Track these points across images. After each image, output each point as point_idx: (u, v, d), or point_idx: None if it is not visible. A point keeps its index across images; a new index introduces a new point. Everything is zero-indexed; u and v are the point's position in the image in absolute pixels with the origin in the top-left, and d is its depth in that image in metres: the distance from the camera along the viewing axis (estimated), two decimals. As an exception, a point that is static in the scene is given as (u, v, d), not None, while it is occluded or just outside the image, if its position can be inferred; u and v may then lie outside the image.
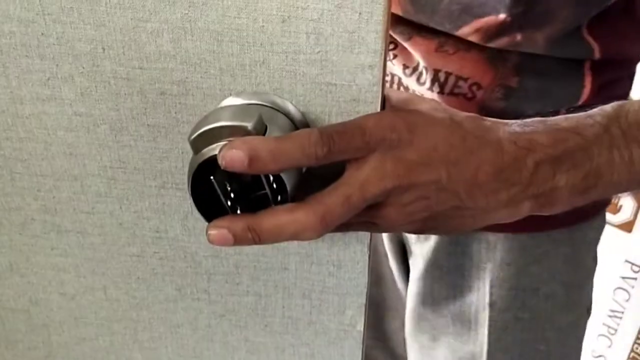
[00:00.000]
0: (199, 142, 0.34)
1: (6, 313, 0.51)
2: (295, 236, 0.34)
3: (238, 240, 0.35)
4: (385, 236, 0.69)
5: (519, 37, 0.49)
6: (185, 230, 0.45)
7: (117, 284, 0.48)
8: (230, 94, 0.38)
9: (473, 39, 0.51)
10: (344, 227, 0.37)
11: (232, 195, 0.36)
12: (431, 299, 0.63)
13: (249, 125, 0.34)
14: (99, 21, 0.37)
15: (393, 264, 0.70)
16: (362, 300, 0.46)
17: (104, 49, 0.38)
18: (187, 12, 0.36)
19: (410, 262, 0.65)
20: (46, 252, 0.47)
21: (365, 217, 0.37)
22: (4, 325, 0.52)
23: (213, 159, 0.34)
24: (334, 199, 0.34)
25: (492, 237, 0.57)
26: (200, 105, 0.39)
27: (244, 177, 0.36)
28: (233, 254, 0.46)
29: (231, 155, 0.32)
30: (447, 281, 0.61)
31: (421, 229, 0.38)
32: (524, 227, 0.53)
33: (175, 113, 0.40)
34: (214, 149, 0.34)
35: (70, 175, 0.43)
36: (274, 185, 0.35)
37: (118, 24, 0.37)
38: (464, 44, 0.52)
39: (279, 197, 0.35)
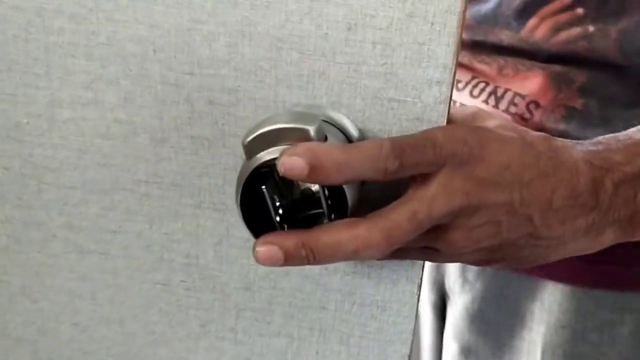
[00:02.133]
0: (254, 145, 0.32)
1: (11, 343, 0.46)
2: (355, 254, 0.31)
3: (290, 258, 0.32)
4: (424, 283, 0.64)
5: (591, 28, 0.47)
6: (218, 257, 0.41)
7: (135, 315, 0.44)
8: (285, 106, 0.36)
9: (540, 34, 0.48)
10: (401, 253, 0.33)
11: (282, 210, 0.32)
12: (474, 357, 0.57)
13: (312, 129, 0.31)
14: (154, 21, 0.35)
15: (428, 314, 0.64)
16: (406, 350, 0.42)
17: (154, 51, 0.36)
18: (247, 14, 0.34)
19: (450, 313, 0.60)
20: (63, 274, 0.43)
21: (426, 242, 0.33)
22: (7, 356, 0.47)
23: (269, 165, 0.31)
24: (400, 214, 0.31)
25: (547, 295, 0.53)
26: (251, 117, 0.37)
27: (299, 190, 0.33)
28: (267, 287, 0.42)
29: (291, 162, 0.29)
30: (493, 339, 0.56)
31: (487, 259, 0.34)
32: (587, 280, 0.49)
33: (222, 125, 0.37)
34: (271, 153, 0.31)
35: (101, 189, 0.40)
36: (332, 200, 0.32)
37: (173, 24, 0.35)
38: (525, 65, 0.49)
39: (337, 215, 0.32)
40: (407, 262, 0.39)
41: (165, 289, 0.43)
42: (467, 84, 0.54)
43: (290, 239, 0.31)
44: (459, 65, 0.55)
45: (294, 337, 0.43)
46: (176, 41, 0.36)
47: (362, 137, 0.36)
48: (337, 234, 0.31)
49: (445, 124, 0.35)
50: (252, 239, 0.40)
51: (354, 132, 0.35)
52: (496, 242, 0.33)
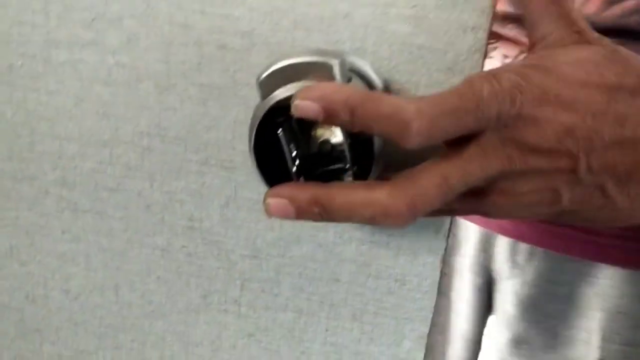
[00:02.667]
0: (271, 82, 0.28)
1: (-4, 309, 0.43)
2: (372, 221, 0.28)
3: (301, 214, 0.28)
4: (467, 264, 0.60)
5: None
6: (223, 220, 0.38)
7: (132, 283, 0.41)
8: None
9: (591, 7, 0.45)
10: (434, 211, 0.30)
11: (299, 160, 0.29)
12: (527, 346, 0.53)
13: (335, 63, 0.27)
14: (163, -48, 0.32)
15: (469, 299, 0.60)
16: (425, 329, 0.38)
17: (162, -13, 0.33)
18: (266, -54, 0.31)
19: (499, 299, 0.56)
20: (55, 235, 0.40)
21: (462, 204, 0.30)
22: (-9, 324, 0.44)
23: (286, 105, 0.28)
24: (428, 179, 0.27)
25: (602, 279, 0.49)
26: (264, 63, 0.33)
27: (318, 140, 0.30)
28: (276, 255, 0.38)
29: (305, 106, 0.26)
30: (547, 327, 0.52)
31: (550, 219, 0.30)
32: None
33: (234, 72, 0.34)
34: (289, 90, 0.28)
35: (99, 141, 0.37)
36: (356, 153, 0.28)
37: (184, -43, 0.32)
38: None
39: (359, 170, 0.29)
40: (430, 231, 0.36)
41: (165, 255, 0.39)
42: (515, 58, 0.51)
43: (304, 193, 0.28)
44: (506, 39, 0.52)
45: (302, 312, 0.39)
46: (187, -24, 0.33)
47: (387, 88, 0.32)
48: (353, 196, 0.27)
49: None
50: (261, 201, 0.37)
51: (378, 83, 0.32)
52: (556, 209, 0.29)
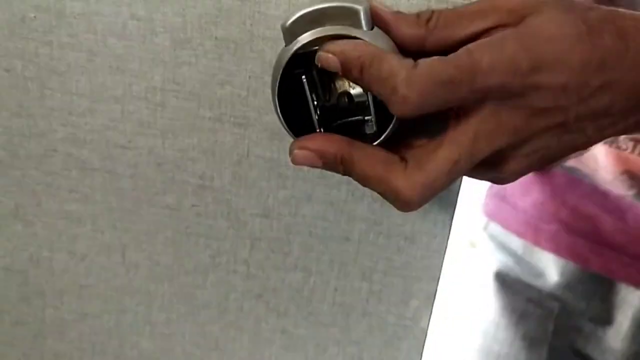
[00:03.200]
0: (296, 28, 0.29)
1: (-2, 272, 0.43)
2: (383, 196, 0.30)
3: (327, 165, 0.30)
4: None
5: None
6: (235, 179, 0.38)
7: (140, 244, 0.41)
8: (323, 4, 0.33)
9: None
10: None
11: (321, 110, 0.30)
12: None
13: (361, 9, 0.28)
14: None
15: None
16: (433, 288, 0.39)
17: (182, -62, 0.33)
18: None
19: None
20: (62, 195, 0.40)
21: (470, 174, 0.31)
22: (-7, 287, 0.43)
23: (310, 50, 0.28)
24: (439, 165, 0.28)
25: None
26: (283, 17, 0.34)
27: (342, 90, 0.30)
28: (287, 214, 0.38)
29: (327, 58, 0.28)
30: None
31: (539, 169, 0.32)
32: None
33: (251, 25, 0.34)
34: (314, 34, 0.28)
35: (112, 97, 0.37)
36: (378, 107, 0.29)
37: None
38: None
39: (379, 121, 0.29)
40: (441, 189, 0.37)
41: (174, 214, 0.39)
42: None
43: (330, 149, 0.29)
44: None
45: (311, 272, 0.40)
46: None
47: None
48: (371, 169, 0.29)
49: None
50: (274, 160, 0.37)
51: None
52: (548, 157, 0.30)
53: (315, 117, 0.30)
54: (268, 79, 0.35)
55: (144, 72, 0.36)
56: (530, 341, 0.57)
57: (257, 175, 0.38)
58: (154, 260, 0.41)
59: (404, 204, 0.29)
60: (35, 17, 0.35)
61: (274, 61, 0.34)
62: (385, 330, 0.40)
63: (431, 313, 0.40)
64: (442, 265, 0.38)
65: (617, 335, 0.54)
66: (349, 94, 0.31)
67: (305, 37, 0.28)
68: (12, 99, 0.38)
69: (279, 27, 0.34)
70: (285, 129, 0.30)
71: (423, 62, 0.27)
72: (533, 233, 0.57)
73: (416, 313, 0.40)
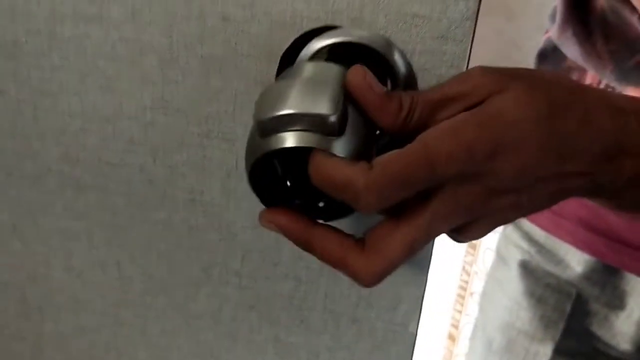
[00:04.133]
0: (270, 124, 0.29)
1: (-4, 290, 0.44)
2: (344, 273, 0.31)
3: (292, 239, 0.32)
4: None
5: None
6: (225, 192, 0.39)
7: (134, 259, 0.42)
8: (302, 23, 0.34)
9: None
10: None
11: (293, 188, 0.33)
12: None
13: (332, 117, 0.28)
14: None
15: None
16: (420, 292, 0.40)
17: (166, -37, 0.34)
18: None
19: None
20: (57, 212, 0.41)
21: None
22: (-8, 305, 0.44)
23: (283, 151, 0.29)
24: (396, 248, 0.30)
25: None
26: (266, 34, 0.35)
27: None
28: (276, 225, 0.39)
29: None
30: None
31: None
32: None
33: (236, 44, 0.35)
34: (286, 140, 0.29)
35: (103, 117, 0.38)
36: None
37: None
38: None
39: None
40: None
41: (166, 229, 0.40)
42: None
43: (292, 229, 0.31)
44: None
45: (301, 280, 0.41)
46: (189, -48, 0.34)
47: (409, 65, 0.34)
48: (330, 251, 0.31)
49: (470, 43, 0.33)
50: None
51: (401, 67, 0.34)
52: (507, 221, 0.32)
53: (285, 193, 0.32)
54: (254, 95, 0.36)
55: (134, 91, 0.37)
56: (547, 321, 0.61)
57: (246, 188, 0.39)
58: (148, 274, 0.42)
59: (363, 284, 0.31)
60: (26, 41, 0.37)
61: (258, 78, 0.36)
62: (375, 336, 0.41)
63: (419, 317, 0.41)
64: (429, 270, 0.39)
65: (628, 319, 0.57)
66: None
67: (276, 143, 0.29)
68: (6, 120, 0.39)
69: (261, 44, 0.35)
70: (260, 200, 0.32)
71: (378, 162, 0.28)
72: (555, 227, 0.60)
73: (405, 318, 0.41)
